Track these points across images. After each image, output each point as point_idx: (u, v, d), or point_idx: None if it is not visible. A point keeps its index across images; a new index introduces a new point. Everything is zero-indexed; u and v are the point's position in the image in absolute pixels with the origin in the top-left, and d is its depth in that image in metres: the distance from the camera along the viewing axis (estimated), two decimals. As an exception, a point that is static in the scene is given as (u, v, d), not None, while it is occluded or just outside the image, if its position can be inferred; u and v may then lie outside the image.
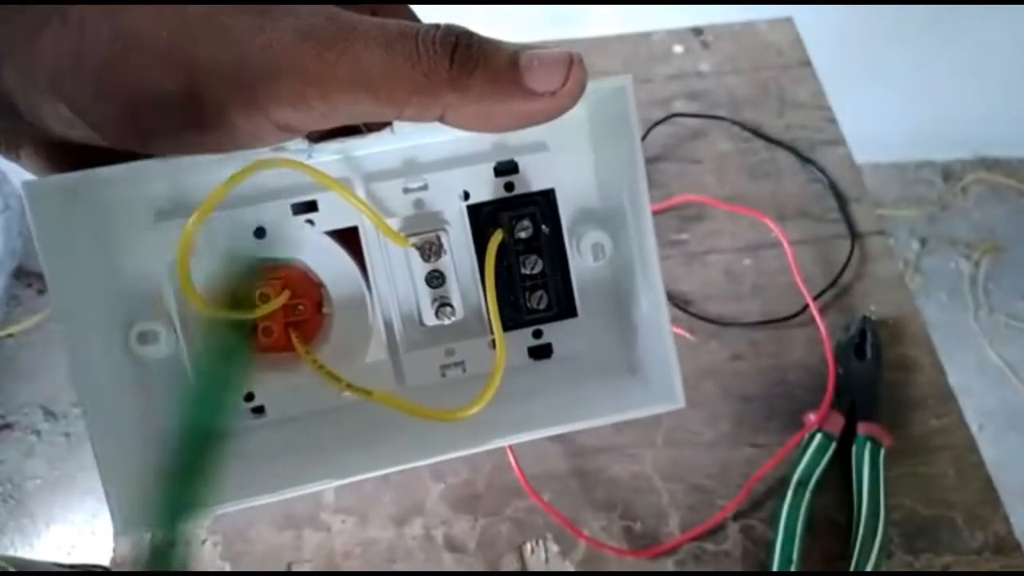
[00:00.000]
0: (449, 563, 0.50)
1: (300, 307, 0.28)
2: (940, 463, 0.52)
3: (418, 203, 0.27)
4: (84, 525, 1.39)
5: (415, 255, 0.27)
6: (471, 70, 0.19)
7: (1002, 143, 1.67)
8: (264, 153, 0.24)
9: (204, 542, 0.51)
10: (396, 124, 0.24)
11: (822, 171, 0.66)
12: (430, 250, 0.27)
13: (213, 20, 0.19)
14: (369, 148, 0.27)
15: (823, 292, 0.59)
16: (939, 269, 1.58)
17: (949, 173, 1.69)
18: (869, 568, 0.47)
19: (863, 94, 1.40)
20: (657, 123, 0.69)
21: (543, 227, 0.28)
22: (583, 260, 0.28)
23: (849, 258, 0.61)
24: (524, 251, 0.28)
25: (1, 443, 1.49)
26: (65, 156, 0.23)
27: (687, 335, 0.58)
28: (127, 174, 0.24)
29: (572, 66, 0.21)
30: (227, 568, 0.50)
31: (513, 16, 1.23)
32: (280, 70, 0.19)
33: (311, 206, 0.27)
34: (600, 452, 0.54)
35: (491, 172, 0.27)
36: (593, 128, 0.28)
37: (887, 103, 1.42)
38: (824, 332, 0.57)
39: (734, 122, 0.69)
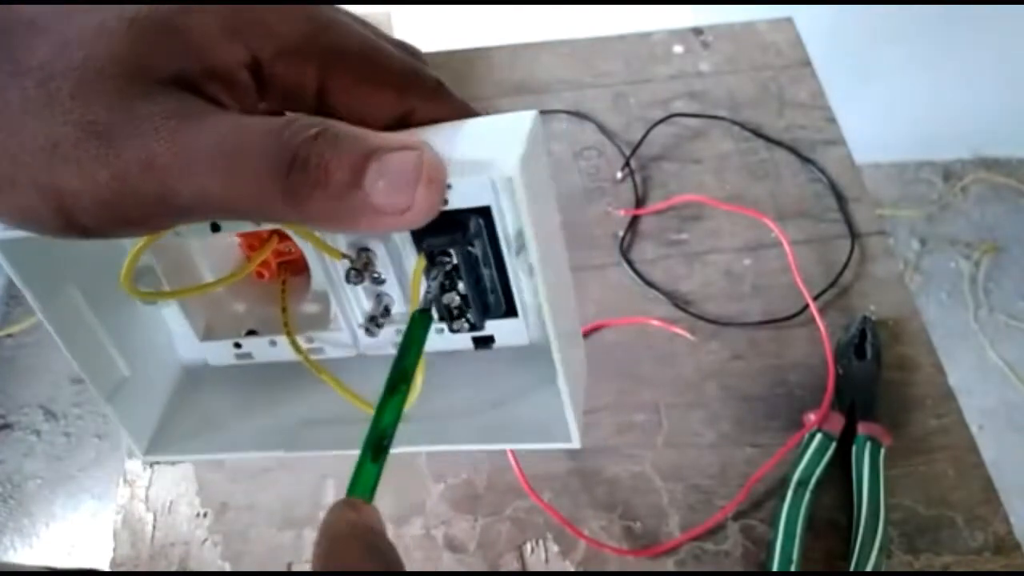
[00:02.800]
0: (449, 563, 0.50)
1: (291, 248, 0.31)
2: (940, 463, 0.52)
3: None
4: (84, 525, 1.39)
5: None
6: (308, 192, 0.19)
7: (1002, 143, 1.67)
8: None
9: (204, 542, 0.51)
10: None
11: (822, 171, 0.66)
12: (363, 266, 0.28)
13: (58, 148, 0.19)
14: None
15: (823, 292, 0.59)
16: (939, 269, 1.58)
17: (949, 173, 1.69)
18: (869, 568, 0.47)
19: (863, 94, 1.40)
20: (657, 123, 0.69)
21: (468, 249, 0.27)
22: (520, 266, 0.29)
23: (849, 258, 0.61)
24: (445, 280, 0.28)
25: (1, 443, 1.49)
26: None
27: (687, 335, 0.58)
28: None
29: (420, 182, 0.20)
30: (227, 568, 0.50)
31: (513, 16, 1.23)
32: (128, 196, 0.19)
33: None
34: (600, 452, 0.54)
35: None
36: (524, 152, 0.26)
37: (887, 103, 1.42)
38: (824, 332, 0.57)
39: (734, 122, 0.69)
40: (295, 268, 0.32)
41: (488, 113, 0.28)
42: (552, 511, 0.50)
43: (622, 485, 0.52)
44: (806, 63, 0.73)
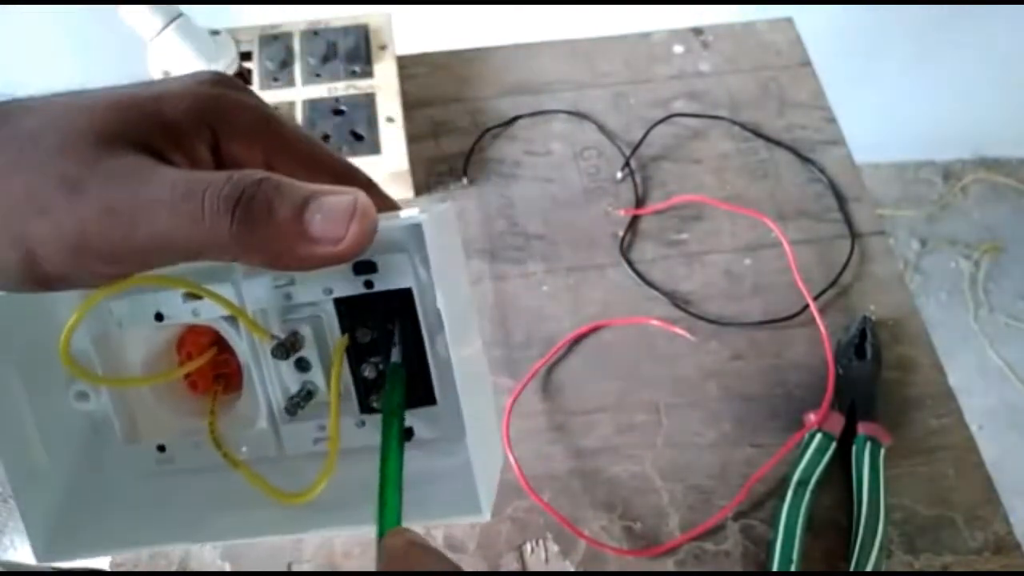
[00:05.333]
0: (449, 563, 0.50)
1: (229, 360, 0.32)
2: (940, 463, 0.52)
3: (287, 296, 0.29)
4: (84, 525, 1.38)
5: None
6: (252, 225, 0.21)
7: (1002, 143, 1.67)
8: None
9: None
10: None
11: (822, 171, 0.66)
12: (291, 345, 0.29)
13: (34, 199, 0.22)
14: None
15: (823, 292, 0.59)
16: (939, 269, 1.58)
17: (949, 173, 1.69)
18: (869, 568, 0.47)
19: (863, 94, 1.39)
20: (657, 123, 0.69)
21: (389, 326, 0.29)
22: (440, 352, 0.29)
23: (849, 258, 0.61)
24: (365, 355, 0.30)
25: (1, 443, 1.48)
26: None
27: (687, 335, 0.58)
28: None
29: (354, 218, 0.22)
30: (227, 568, 0.50)
31: (513, 16, 1.23)
32: (90, 241, 0.22)
33: (196, 296, 0.29)
34: (600, 452, 0.54)
35: (351, 271, 0.28)
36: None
37: (887, 103, 1.42)
38: (824, 332, 0.57)
39: (734, 122, 0.69)
40: (230, 384, 0.33)
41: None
42: (552, 511, 0.50)
43: (622, 485, 0.52)
44: (806, 63, 0.73)
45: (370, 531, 0.26)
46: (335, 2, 0.79)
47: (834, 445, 0.52)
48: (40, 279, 0.23)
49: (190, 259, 0.22)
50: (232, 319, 0.29)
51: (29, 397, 0.30)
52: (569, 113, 0.70)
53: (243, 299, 0.29)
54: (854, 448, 0.51)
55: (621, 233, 0.63)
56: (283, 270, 0.23)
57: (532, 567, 0.50)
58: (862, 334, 0.56)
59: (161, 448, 0.32)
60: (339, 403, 0.29)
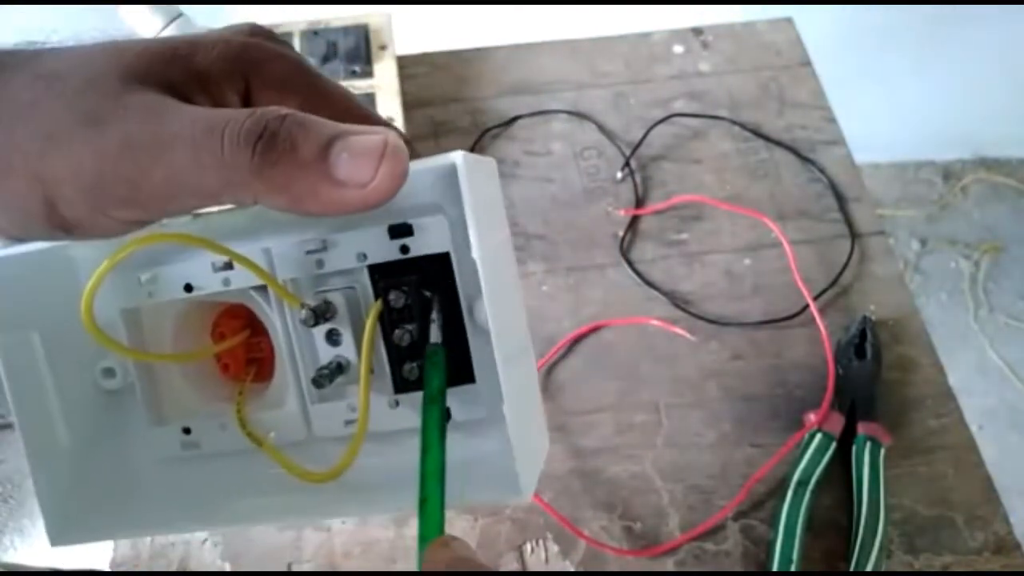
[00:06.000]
0: (449, 563, 0.50)
1: (263, 345, 0.31)
2: (940, 463, 0.52)
3: (319, 263, 0.28)
4: (84, 525, 1.38)
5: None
6: (274, 161, 0.20)
7: (1002, 143, 1.67)
8: (142, 232, 0.24)
9: (204, 542, 0.51)
10: None
11: (822, 171, 0.66)
12: (317, 317, 0.27)
13: (54, 135, 0.21)
14: (239, 215, 0.27)
15: (823, 292, 0.59)
16: (939, 269, 1.58)
17: (949, 173, 1.69)
18: (869, 568, 0.47)
19: (863, 94, 1.39)
20: (657, 123, 0.69)
21: (426, 293, 0.27)
22: (479, 325, 0.27)
23: (849, 258, 0.61)
24: (399, 322, 0.27)
25: (1, 443, 1.48)
26: None
27: (687, 335, 0.58)
28: (39, 257, 0.26)
29: (383, 159, 0.20)
30: (227, 568, 0.50)
31: (513, 16, 1.23)
32: (107, 179, 0.21)
33: (227, 266, 0.28)
34: (600, 452, 0.54)
35: (385, 234, 0.27)
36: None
37: (887, 103, 1.42)
38: (824, 332, 0.57)
39: (734, 122, 0.69)
40: (262, 371, 0.31)
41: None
42: (552, 511, 0.50)
43: (622, 485, 0.52)
44: (806, 63, 0.73)
45: (397, 516, 0.24)
46: (335, 2, 0.79)
47: (834, 445, 0.52)
48: (59, 223, 0.22)
49: (210, 201, 0.21)
50: (263, 290, 0.28)
51: (53, 371, 0.29)
52: (569, 113, 0.70)
53: (274, 268, 0.28)
54: (854, 448, 0.51)
55: (621, 233, 0.63)
56: (306, 214, 0.21)
57: (532, 567, 0.50)
58: (862, 334, 0.56)
59: (187, 431, 0.31)
60: (370, 363, 0.27)
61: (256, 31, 0.25)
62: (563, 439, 0.54)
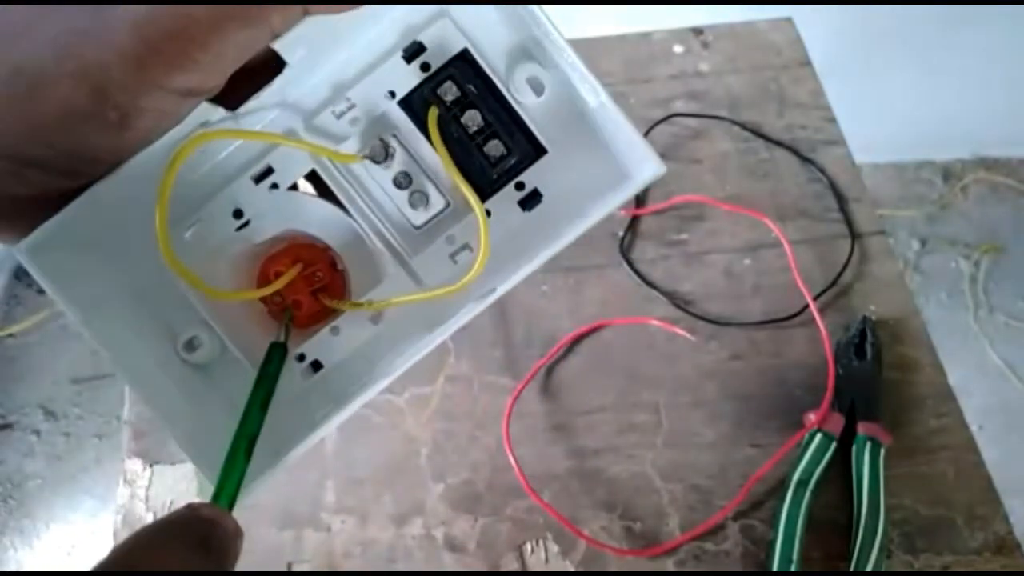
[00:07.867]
0: (449, 563, 0.50)
1: (318, 273, 0.30)
2: (940, 463, 0.52)
3: (354, 121, 0.28)
4: (84, 525, 1.39)
5: (375, 169, 0.28)
6: None
7: (1002, 143, 1.67)
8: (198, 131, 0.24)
9: (204, 542, 0.51)
10: (289, 63, 0.26)
11: (822, 171, 0.66)
12: (384, 154, 0.28)
13: (95, 24, 0.20)
14: (277, 95, 0.27)
15: (823, 292, 0.59)
16: (939, 269, 1.58)
17: (949, 173, 1.69)
18: (869, 568, 0.47)
19: (863, 94, 1.40)
20: (657, 123, 0.69)
21: (470, 86, 0.28)
22: (527, 99, 0.28)
23: (849, 258, 0.61)
24: (461, 111, 0.28)
25: (1, 443, 1.49)
26: (19, 216, 0.24)
27: (687, 335, 0.58)
28: (90, 201, 0.25)
29: None
30: (227, 568, 0.50)
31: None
32: (153, 39, 0.20)
33: (267, 171, 0.28)
34: (600, 452, 0.54)
35: (402, 62, 0.28)
36: None
37: (887, 103, 1.42)
38: (824, 332, 0.57)
39: (734, 122, 0.69)
40: (331, 293, 0.31)
41: None
42: (552, 511, 0.51)
43: (622, 485, 0.52)
44: (806, 63, 0.73)
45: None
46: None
47: (834, 445, 0.52)
48: (114, 115, 0.21)
49: (258, 28, 0.21)
50: (314, 178, 0.28)
51: (143, 343, 0.28)
52: (569, 113, 0.70)
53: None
54: (854, 448, 0.51)
55: (621, 233, 0.63)
56: (356, 2, 0.22)
57: (532, 567, 0.50)
58: (862, 334, 0.56)
59: (300, 357, 0.30)
60: (455, 167, 0.27)
61: None
62: (563, 439, 0.54)
